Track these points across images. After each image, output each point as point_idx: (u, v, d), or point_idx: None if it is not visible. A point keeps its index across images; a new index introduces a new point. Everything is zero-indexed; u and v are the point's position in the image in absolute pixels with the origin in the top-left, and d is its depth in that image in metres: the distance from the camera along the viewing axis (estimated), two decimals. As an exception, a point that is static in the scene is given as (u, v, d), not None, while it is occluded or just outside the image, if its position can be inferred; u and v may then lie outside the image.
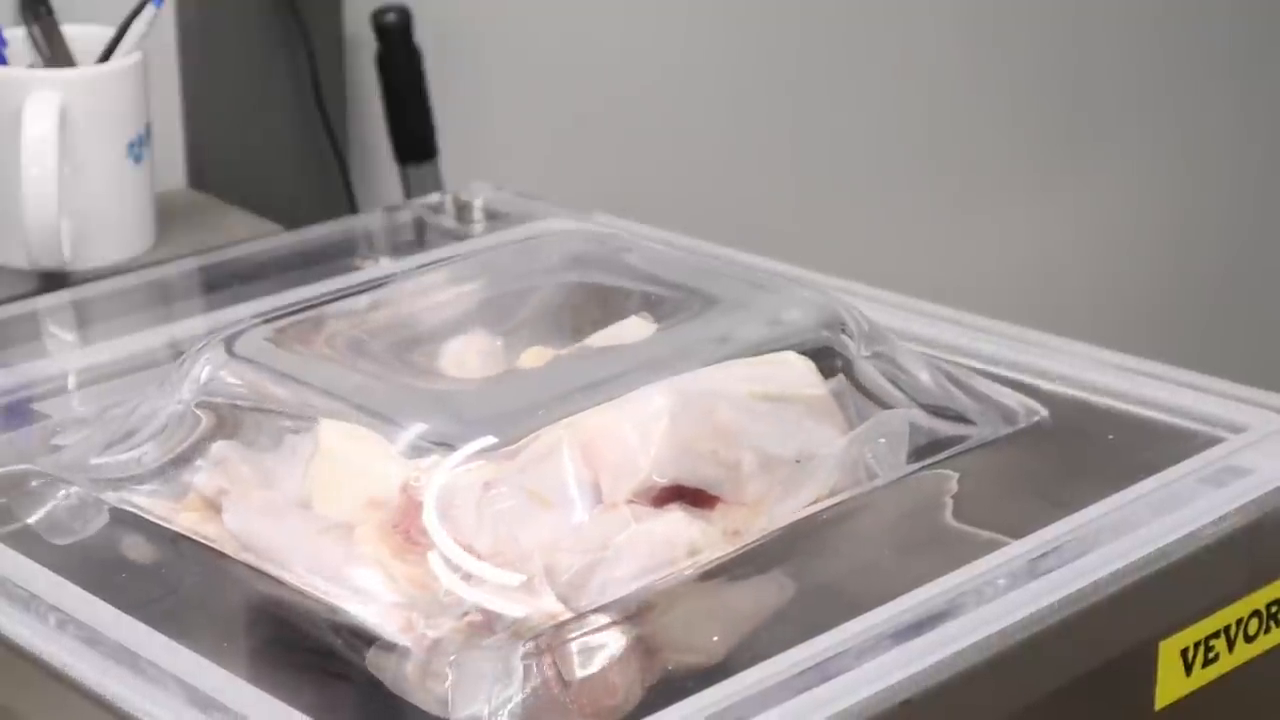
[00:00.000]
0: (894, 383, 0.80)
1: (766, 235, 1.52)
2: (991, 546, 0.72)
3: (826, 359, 0.79)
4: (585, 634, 0.67)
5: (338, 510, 0.74)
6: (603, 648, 0.67)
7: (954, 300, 1.62)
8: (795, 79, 1.58)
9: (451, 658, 0.66)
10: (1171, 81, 1.87)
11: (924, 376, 0.82)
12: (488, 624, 0.67)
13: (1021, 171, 1.78)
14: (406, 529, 0.71)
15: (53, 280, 1.09)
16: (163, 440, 0.79)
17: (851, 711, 0.64)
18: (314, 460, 0.77)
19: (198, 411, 0.78)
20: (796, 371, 0.77)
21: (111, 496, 0.78)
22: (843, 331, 0.81)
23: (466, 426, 0.73)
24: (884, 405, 0.79)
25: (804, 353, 0.78)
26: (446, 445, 0.71)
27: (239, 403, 0.78)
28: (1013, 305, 1.62)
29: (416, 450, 0.72)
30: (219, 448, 0.79)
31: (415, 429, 0.73)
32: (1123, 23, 1.82)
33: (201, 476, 0.78)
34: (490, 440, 0.72)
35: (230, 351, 0.79)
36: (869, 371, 0.80)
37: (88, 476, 0.80)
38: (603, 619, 0.67)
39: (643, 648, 0.68)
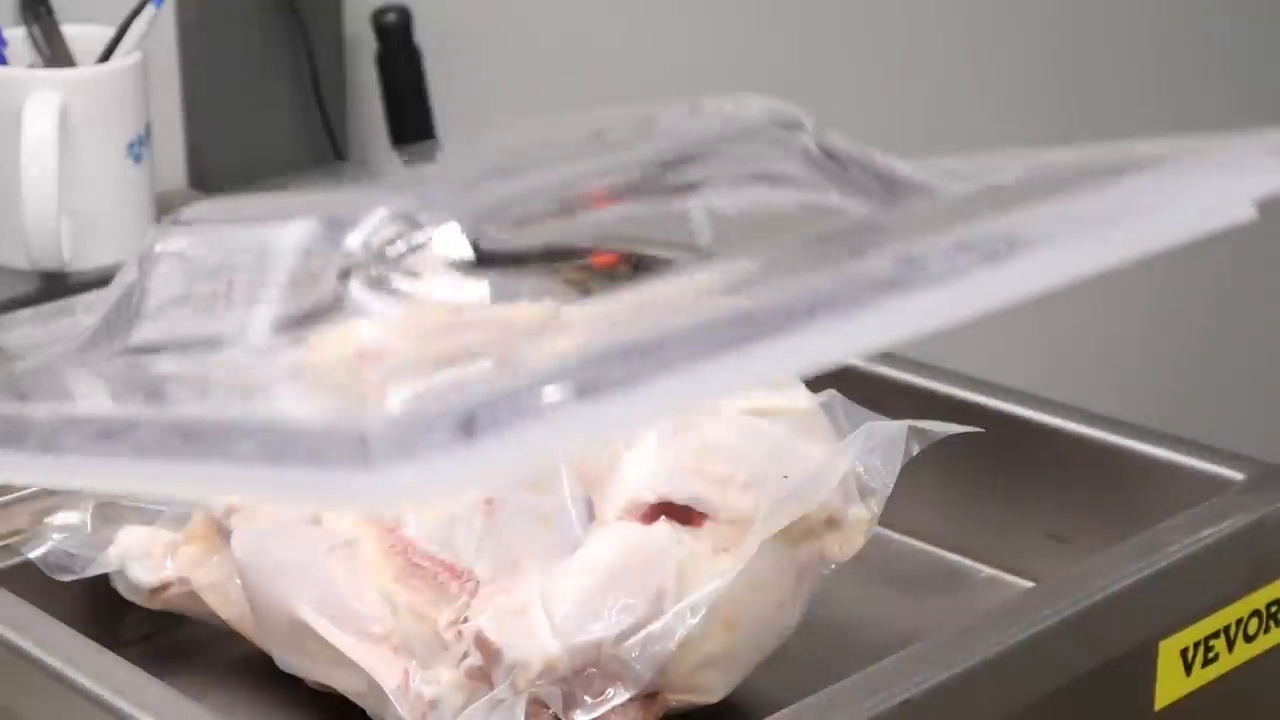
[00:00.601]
0: (846, 161, 0.77)
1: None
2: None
3: (777, 145, 0.76)
4: (585, 688, 0.67)
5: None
6: (604, 700, 0.67)
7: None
8: (794, 80, 1.58)
9: None
10: (1171, 83, 1.87)
11: (898, 165, 0.78)
12: (485, 675, 0.67)
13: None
14: (404, 550, 0.72)
15: (53, 280, 1.09)
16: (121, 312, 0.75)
17: (852, 711, 0.65)
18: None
19: (166, 269, 0.74)
20: (784, 386, 0.76)
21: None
22: (796, 126, 0.77)
23: (431, 209, 0.68)
24: (848, 183, 0.76)
25: (752, 130, 0.76)
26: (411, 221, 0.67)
27: (205, 248, 0.74)
28: (1013, 310, 1.62)
29: (379, 232, 0.68)
30: None
31: (376, 214, 0.67)
32: (1122, 24, 1.82)
33: None
34: (454, 225, 0.67)
35: (180, 221, 0.75)
36: (826, 163, 0.77)
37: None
38: (603, 669, 0.67)
39: (644, 693, 0.68)
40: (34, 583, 0.76)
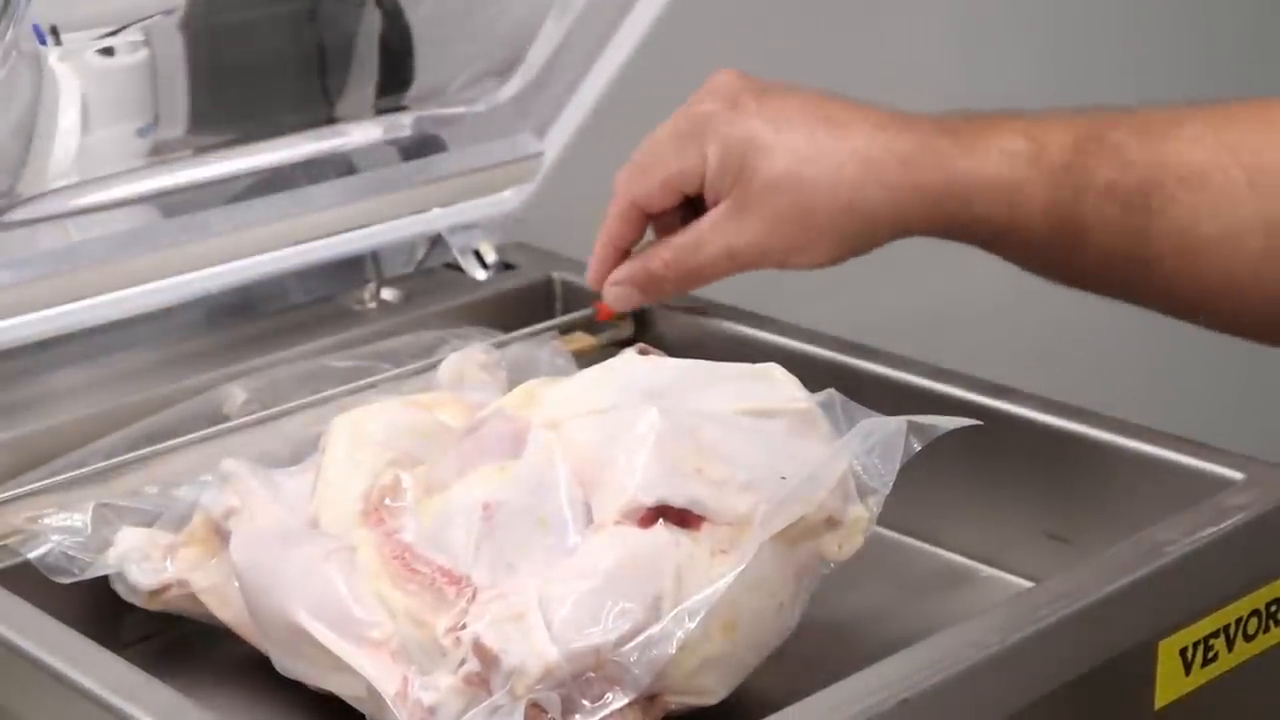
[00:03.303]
0: None
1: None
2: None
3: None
4: (584, 692, 0.67)
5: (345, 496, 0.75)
6: (603, 704, 0.67)
7: (954, 302, 1.62)
8: (797, 79, 1.58)
9: None
10: (1171, 83, 1.87)
11: None
12: (483, 681, 0.67)
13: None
14: (402, 554, 0.72)
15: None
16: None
17: (852, 711, 0.65)
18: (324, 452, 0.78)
19: None
20: (781, 386, 0.76)
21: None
22: None
23: None
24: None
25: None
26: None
27: None
28: (1012, 309, 1.62)
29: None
30: (227, 463, 0.79)
31: None
32: (1121, 26, 1.82)
33: (209, 495, 0.79)
34: None
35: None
36: None
37: None
38: (602, 673, 0.67)
39: (643, 696, 0.68)
40: (34, 583, 0.76)
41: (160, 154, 0.94)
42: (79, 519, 0.79)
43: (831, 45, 1.59)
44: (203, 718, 0.65)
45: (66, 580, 0.77)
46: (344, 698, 0.72)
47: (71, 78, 0.89)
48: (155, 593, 0.78)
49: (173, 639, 0.81)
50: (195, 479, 0.82)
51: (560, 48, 1.05)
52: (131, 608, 0.79)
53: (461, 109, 1.06)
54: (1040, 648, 0.70)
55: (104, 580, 0.78)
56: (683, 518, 0.70)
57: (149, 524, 0.80)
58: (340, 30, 1.01)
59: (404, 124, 1.04)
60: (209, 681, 0.78)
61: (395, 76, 1.03)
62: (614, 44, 1.06)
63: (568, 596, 0.68)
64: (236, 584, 0.75)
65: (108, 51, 0.91)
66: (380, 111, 1.03)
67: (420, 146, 1.04)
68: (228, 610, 0.77)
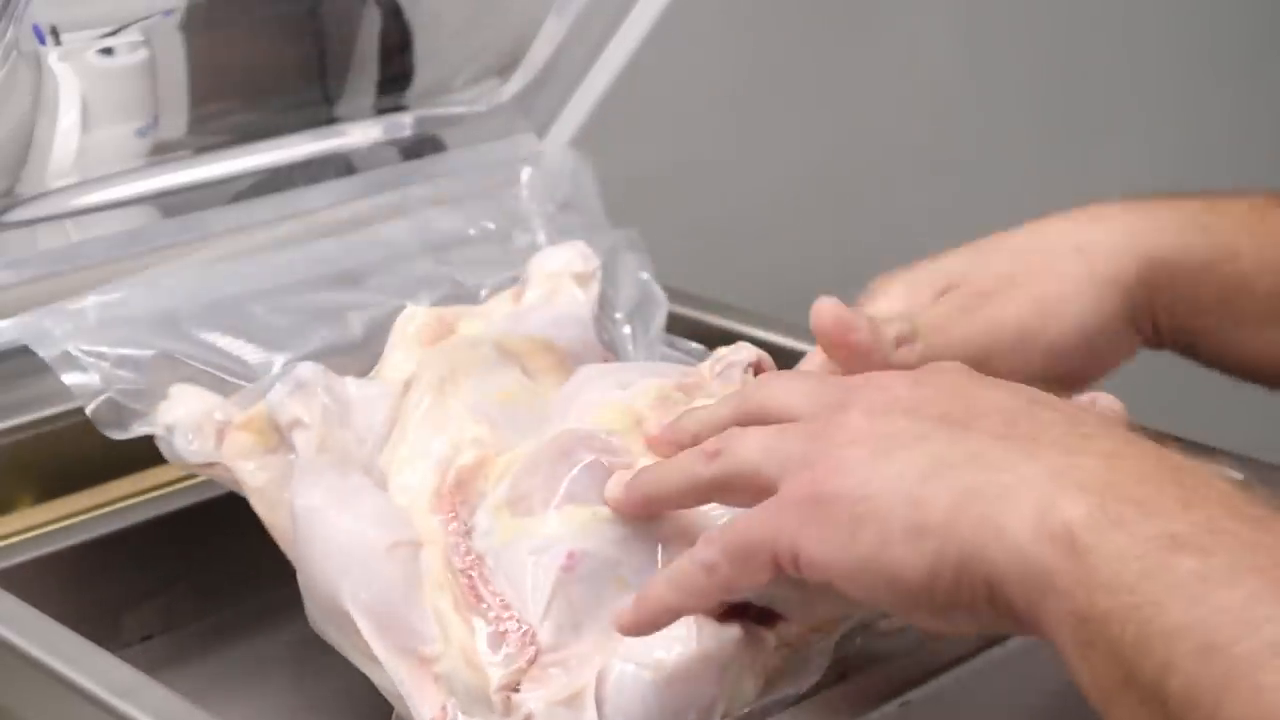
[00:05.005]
0: None
1: (766, 235, 1.52)
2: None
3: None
4: None
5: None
6: None
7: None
8: (797, 79, 1.59)
9: None
10: (1172, 83, 1.87)
11: None
12: None
13: (1022, 172, 1.78)
14: (469, 568, 0.68)
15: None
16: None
17: (852, 711, 0.65)
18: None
19: None
20: None
21: None
22: None
23: None
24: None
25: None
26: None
27: None
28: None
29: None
30: (303, 369, 0.76)
31: None
32: (1122, 24, 1.83)
33: (277, 395, 0.75)
34: None
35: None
36: None
37: None
38: None
39: None
40: (34, 583, 0.76)
41: (160, 154, 0.94)
42: (140, 355, 0.79)
43: (831, 45, 1.60)
44: (203, 718, 0.65)
45: (116, 434, 0.76)
46: (375, 684, 0.69)
47: (71, 78, 0.89)
48: (200, 465, 0.76)
49: (173, 639, 0.81)
50: (266, 353, 0.81)
51: (560, 47, 1.05)
52: (132, 607, 0.79)
53: (461, 109, 1.06)
54: (1040, 648, 0.70)
55: (104, 579, 0.78)
56: (761, 614, 0.66)
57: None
58: (340, 30, 1.01)
59: (404, 124, 1.04)
60: (209, 681, 0.78)
61: (395, 76, 1.03)
62: (614, 44, 1.06)
63: (626, 683, 0.64)
64: (288, 495, 0.72)
65: (108, 51, 0.91)
66: (380, 111, 1.03)
67: (420, 146, 1.05)
68: (274, 515, 0.73)
